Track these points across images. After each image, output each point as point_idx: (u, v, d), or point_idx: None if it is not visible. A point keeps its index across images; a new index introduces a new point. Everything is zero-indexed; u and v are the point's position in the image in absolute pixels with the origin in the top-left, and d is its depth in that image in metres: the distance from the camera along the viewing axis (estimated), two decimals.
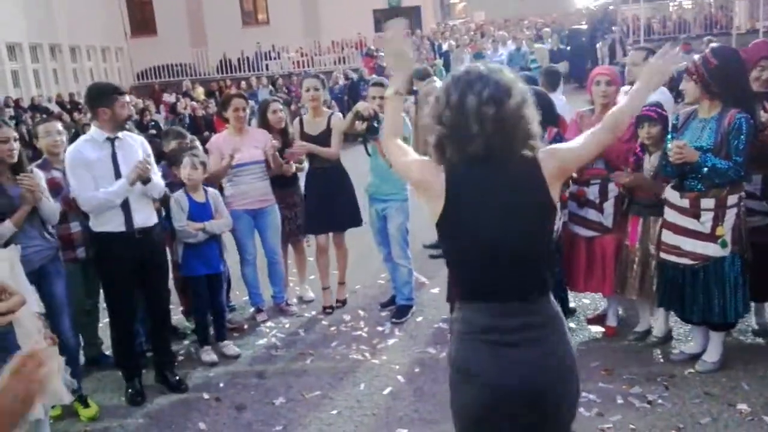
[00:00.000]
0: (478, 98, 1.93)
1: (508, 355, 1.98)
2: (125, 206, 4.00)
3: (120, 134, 4.03)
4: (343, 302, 5.48)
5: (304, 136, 5.21)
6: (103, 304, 4.40)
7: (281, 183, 5.24)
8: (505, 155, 1.96)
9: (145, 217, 4.11)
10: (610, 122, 2.12)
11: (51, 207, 3.80)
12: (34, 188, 3.63)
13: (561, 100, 5.93)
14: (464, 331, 2.05)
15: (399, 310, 5.16)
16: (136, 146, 4.09)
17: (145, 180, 3.98)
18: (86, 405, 4.04)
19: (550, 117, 4.33)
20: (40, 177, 3.82)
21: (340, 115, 5.41)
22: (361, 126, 4.86)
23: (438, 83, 6.30)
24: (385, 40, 2.37)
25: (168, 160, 4.89)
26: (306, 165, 5.48)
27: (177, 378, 4.33)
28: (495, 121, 1.92)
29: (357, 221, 5.35)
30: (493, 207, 1.97)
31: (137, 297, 4.24)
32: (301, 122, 5.32)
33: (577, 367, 2.09)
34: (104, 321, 4.69)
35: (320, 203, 5.18)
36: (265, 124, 5.34)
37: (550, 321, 2.05)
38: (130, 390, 4.19)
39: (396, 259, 5.14)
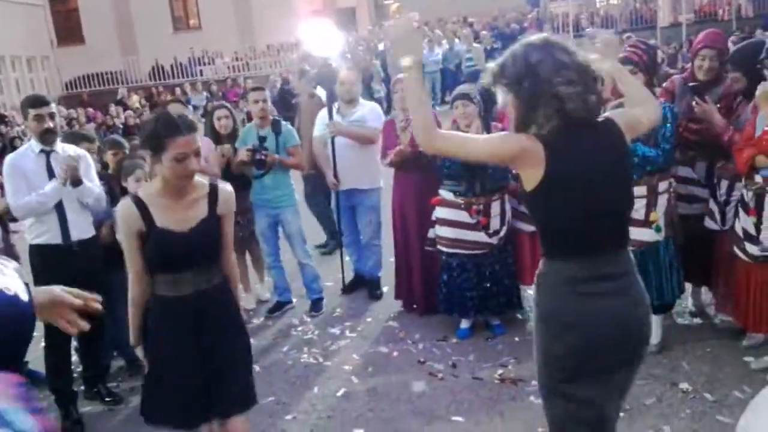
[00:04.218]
0: (571, 57, 2.02)
1: (606, 305, 2.10)
2: (62, 217, 3.92)
3: (58, 147, 3.94)
4: None
5: None
6: None
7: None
8: (595, 117, 2.10)
9: (83, 228, 4.02)
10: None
11: None
12: None
13: None
14: (561, 284, 2.13)
15: (314, 303, 5.34)
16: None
17: (76, 181, 3.86)
18: None
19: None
20: None
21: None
22: (248, 170, 5.04)
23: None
24: (394, 24, 2.24)
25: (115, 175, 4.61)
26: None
27: (108, 389, 4.29)
28: (589, 79, 2.04)
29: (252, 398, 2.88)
30: (598, 168, 2.07)
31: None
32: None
33: None
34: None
35: (188, 370, 2.71)
36: (212, 131, 5.28)
37: (632, 269, 2.19)
38: (67, 420, 4.00)
39: (301, 260, 5.29)
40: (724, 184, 3.97)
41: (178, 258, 2.67)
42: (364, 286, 5.60)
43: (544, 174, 2.04)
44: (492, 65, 2.13)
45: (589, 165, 2.06)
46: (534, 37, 2.10)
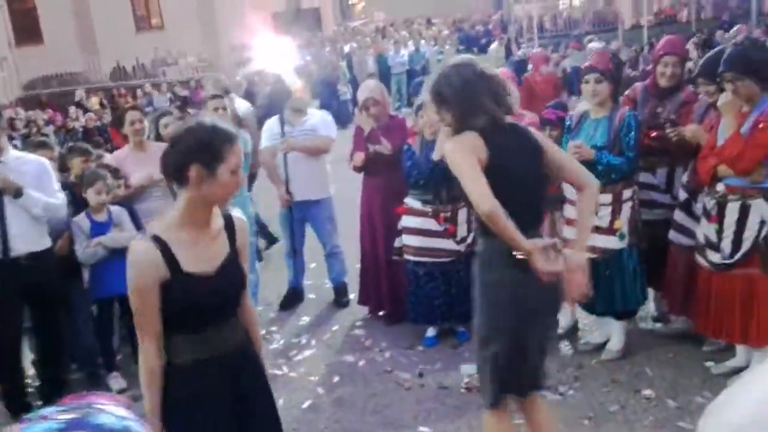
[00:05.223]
0: (487, 71, 2.63)
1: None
2: (2, 231, 3.75)
3: (8, 157, 3.81)
4: None
5: None
6: None
7: None
8: (508, 112, 2.65)
9: (31, 241, 3.86)
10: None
11: None
12: None
13: None
14: (499, 258, 2.57)
15: None
16: (28, 168, 3.85)
17: (15, 193, 3.72)
18: None
19: None
20: None
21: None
22: None
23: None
24: None
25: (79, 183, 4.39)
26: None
27: None
28: (501, 84, 2.64)
29: None
30: (519, 158, 2.60)
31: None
32: None
33: None
34: None
35: None
36: (158, 137, 5.12)
37: None
38: None
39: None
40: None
41: (206, 308, 2.16)
42: (299, 300, 5.51)
43: (487, 163, 2.51)
44: (429, 91, 2.66)
45: (514, 155, 2.59)
46: (459, 58, 2.72)
